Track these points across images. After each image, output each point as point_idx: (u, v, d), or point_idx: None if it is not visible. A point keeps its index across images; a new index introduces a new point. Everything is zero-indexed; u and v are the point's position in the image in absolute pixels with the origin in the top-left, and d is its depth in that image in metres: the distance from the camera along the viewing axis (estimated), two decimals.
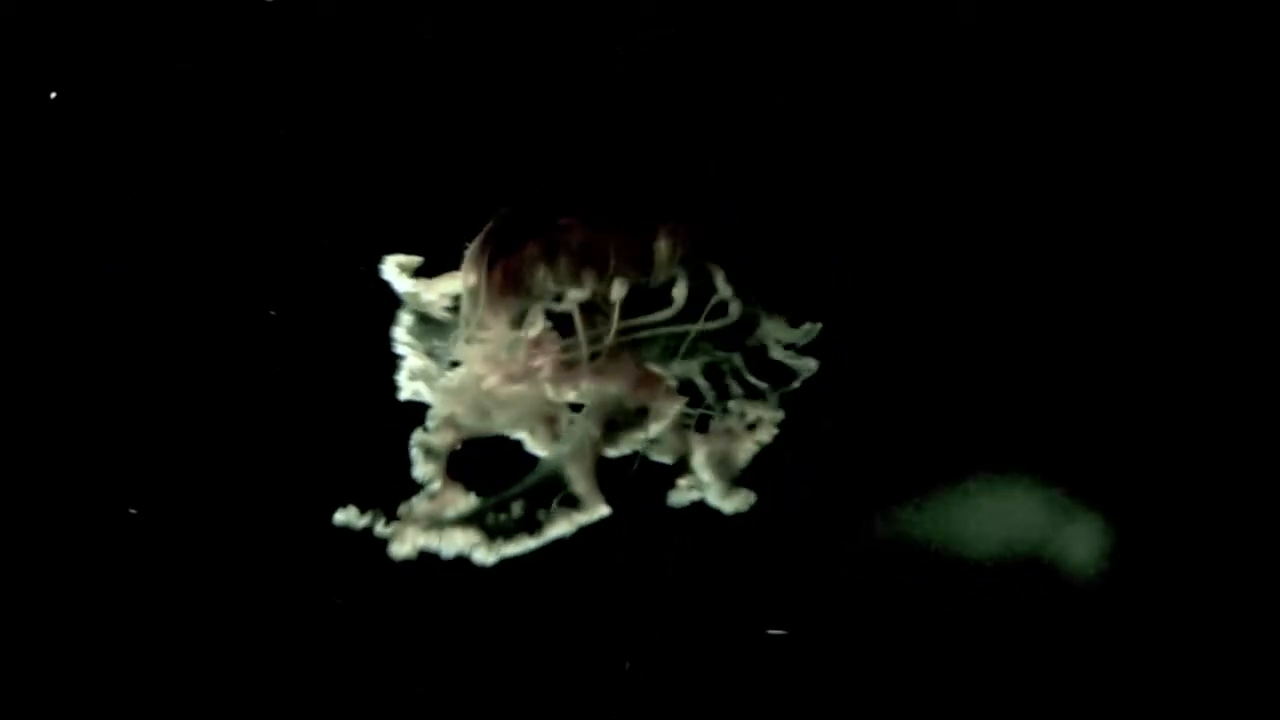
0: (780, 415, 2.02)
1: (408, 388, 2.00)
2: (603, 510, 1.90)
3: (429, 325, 2.03)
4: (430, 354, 2.02)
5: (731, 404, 2.03)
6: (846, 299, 2.20)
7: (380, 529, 1.86)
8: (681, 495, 2.00)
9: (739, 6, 2.30)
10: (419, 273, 2.02)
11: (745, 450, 2.01)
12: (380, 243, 2.05)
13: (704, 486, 1.99)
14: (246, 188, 2.27)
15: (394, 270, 2.01)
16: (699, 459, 1.99)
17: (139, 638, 2.26)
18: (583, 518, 1.89)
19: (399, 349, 2.01)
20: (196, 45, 2.26)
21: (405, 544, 1.85)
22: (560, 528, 1.88)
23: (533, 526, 1.87)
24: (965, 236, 2.32)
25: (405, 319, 2.02)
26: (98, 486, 2.25)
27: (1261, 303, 2.31)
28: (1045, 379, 2.33)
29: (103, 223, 2.26)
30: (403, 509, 1.88)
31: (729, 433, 2.01)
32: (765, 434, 2.01)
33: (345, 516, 1.86)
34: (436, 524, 1.86)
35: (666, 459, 2.00)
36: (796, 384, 2.03)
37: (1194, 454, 2.32)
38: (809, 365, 2.02)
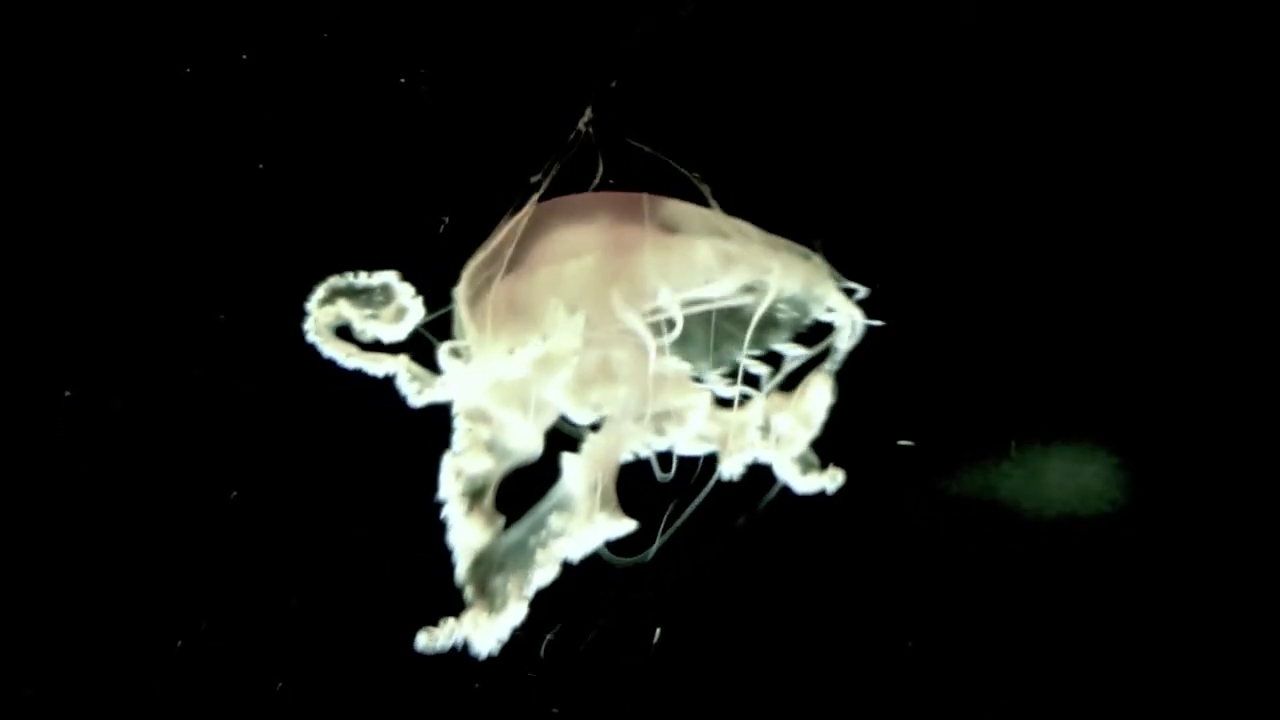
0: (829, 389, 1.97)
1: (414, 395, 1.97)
2: (629, 525, 1.88)
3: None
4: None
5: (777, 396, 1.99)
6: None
7: (458, 636, 1.83)
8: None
9: (739, 6, 2.31)
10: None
11: (809, 431, 1.95)
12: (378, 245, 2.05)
13: (785, 470, 1.94)
14: (244, 191, 2.26)
15: (320, 334, 1.96)
16: (773, 452, 1.95)
17: (137, 640, 2.25)
18: (612, 529, 1.88)
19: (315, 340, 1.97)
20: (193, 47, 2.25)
21: (486, 640, 1.83)
22: (593, 539, 1.87)
23: (567, 538, 1.86)
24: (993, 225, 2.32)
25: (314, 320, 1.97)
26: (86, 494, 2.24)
27: None
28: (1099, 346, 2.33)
29: (101, 223, 2.25)
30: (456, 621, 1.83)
31: (789, 419, 1.96)
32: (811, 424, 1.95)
33: (427, 641, 1.83)
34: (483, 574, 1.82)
35: (706, 449, 1.96)
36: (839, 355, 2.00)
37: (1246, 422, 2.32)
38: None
